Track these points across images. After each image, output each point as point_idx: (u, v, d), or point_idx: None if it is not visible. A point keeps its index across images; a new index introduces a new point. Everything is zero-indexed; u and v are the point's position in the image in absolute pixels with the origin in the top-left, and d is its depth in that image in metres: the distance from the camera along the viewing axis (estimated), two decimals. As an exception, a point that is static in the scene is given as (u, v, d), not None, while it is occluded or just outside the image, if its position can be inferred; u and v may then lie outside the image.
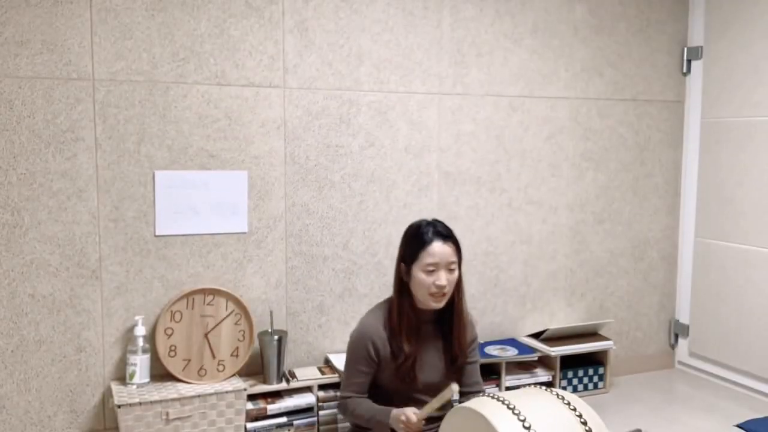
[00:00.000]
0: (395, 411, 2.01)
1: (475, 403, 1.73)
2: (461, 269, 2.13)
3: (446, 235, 2.07)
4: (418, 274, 2.04)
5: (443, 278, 2.03)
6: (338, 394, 2.61)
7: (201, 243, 2.60)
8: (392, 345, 2.10)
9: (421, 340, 2.14)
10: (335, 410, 2.62)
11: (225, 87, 2.59)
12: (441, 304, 2.07)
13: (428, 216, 2.94)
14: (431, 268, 2.03)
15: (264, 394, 2.61)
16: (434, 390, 2.14)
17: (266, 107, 2.65)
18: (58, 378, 2.45)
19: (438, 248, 2.03)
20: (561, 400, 1.73)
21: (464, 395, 2.23)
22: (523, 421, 1.63)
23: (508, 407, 1.68)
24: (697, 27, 3.35)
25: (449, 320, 2.15)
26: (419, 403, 2.13)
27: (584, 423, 1.66)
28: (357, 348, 2.12)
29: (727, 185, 3.20)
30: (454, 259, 2.07)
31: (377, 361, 2.11)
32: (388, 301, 2.18)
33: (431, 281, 2.03)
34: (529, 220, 3.15)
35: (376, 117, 2.82)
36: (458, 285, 2.12)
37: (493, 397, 1.75)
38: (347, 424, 2.61)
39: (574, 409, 1.69)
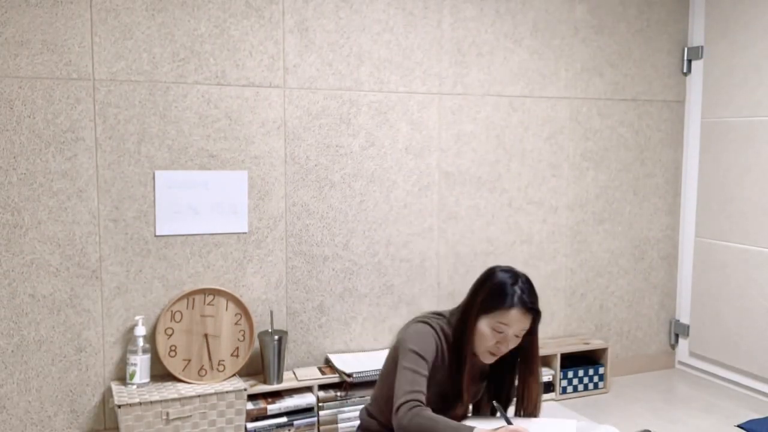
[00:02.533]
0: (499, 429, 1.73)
1: None
2: (537, 336, 1.92)
3: (530, 306, 1.85)
4: (485, 329, 1.85)
5: (509, 344, 1.86)
6: (348, 401, 2.61)
7: (201, 243, 2.60)
8: (452, 356, 1.90)
9: (465, 371, 1.92)
10: (335, 410, 2.62)
11: (225, 87, 2.59)
12: (491, 361, 1.90)
13: (429, 216, 2.95)
14: (501, 329, 1.84)
15: (264, 394, 2.61)
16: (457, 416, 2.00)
17: (266, 107, 2.65)
18: (59, 378, 2.45)
19: (516, 317, 1.83)
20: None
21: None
22: None
23: None
24: (697, 27, 3.35)
25: (504, 368, 1.97)
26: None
27: None
28: (425, 344, 1.85)
29: (727, 185, 3.20)
30: (528, 328, 1.87)
31: (430, 366, 1.87)
32: (447, 317, 1.98)
33: (494, 342, 1.85)
34: (529, 220, 3.15)
35: (376, 117, 2.82)
36: (535, 350, 1.93)
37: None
38: (348, 425, 2.61)
39: None
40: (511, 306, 1.83)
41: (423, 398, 1.79)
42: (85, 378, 2.49)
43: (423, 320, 1.94)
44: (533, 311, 1.85)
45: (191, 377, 2.52)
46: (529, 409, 1.97)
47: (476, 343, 1.88)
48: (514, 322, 1.83)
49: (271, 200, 2.69)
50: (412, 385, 1.80)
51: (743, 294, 3.13)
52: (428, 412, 1.76)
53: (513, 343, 1.87)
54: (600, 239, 3.31)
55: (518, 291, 1.85)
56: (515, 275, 1.89)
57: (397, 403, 1.79)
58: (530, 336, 1.90)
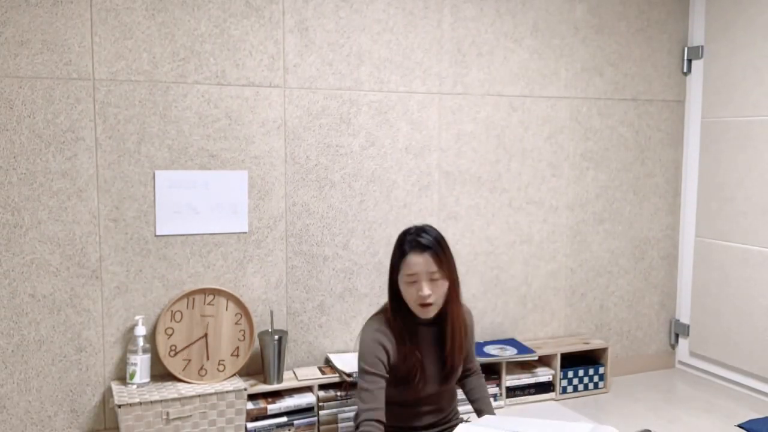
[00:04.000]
0: None
1: None
2: (454, 276, 2.08)
3: (424, 245, 1.99)
4: (402, 286, 2.03)
5: (425, 289, 1.98)
6: (349, 401, 2.62)
7: (201, 243, 2.60)
8: (399, 351, 2.06)
9: (422, 346, 2.11)
10: (335, 410, 2.62)
11: (225, 87, 2.59)
12: (430, 315, 2.03)
13: (429, 216, 2.95)
14: (412, 279, 1.99)
15: (264, 394, 2.61)
16: (435, 398, 2.14)
17: (266, 107, 2.65)
18: (59, 378, 2.45)
19: (414, 260, 1.98)
20: None
21: (465, 378, 2.25)
22: None
23: None
24: (697, 27, 3.35)
25: (445, 328, 2.11)
26: (424, 415, 2.12)
27: None
28: (368, 353, 2.03)
29: (727, 185, 3.20)
30: (435, 269, 1.99)
31: (388, 366, 2.04)
32: (385, 309, 2.15)
33: (414, 291, 2.00)
34: (529, 219, 3.15)
35: (376, 117, 2.82)
36: (451, 293, 2.07)
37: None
38: (348, 424, 2.62)
39: None
40: (405, 254, 1.99)
41: (376, 414, 1.97)
42: (85, 378, 2.49)
43: (366, 326, 2.10)
44: (430, 249, 1.99)
45: (191, 377, 2.52)
46: (455, 366, 2.12)
47: (409, 304, 2.03)
48: (415, 265, 1.97)
49: (271, 200, 2.69)
50: (367, 403, 1.99)
51: (743, 294, 3.13)
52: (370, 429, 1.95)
53: (432, 288, 1.99)
54: (600, 239, 3.31)
55: (408, 238, 2.01)
56: (415, 227, 2.06)
57: (355, 422, 2.04)
58: (442, 281, 2.03)
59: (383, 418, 1.99)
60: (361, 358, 2.05)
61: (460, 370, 2.18)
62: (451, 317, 2.09)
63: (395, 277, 2.06)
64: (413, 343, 2.08)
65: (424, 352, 2.11)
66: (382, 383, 2.02)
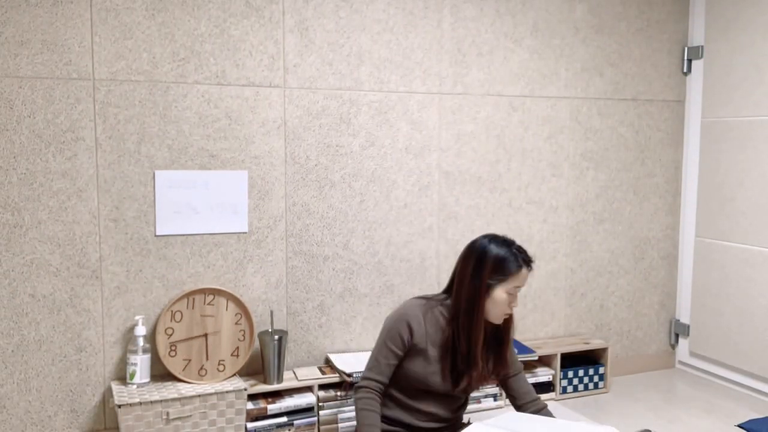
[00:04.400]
0: None
1: None
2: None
3: (531, 261, 2.14)
4: (502, 295, 2.09)
5: (516, 301, 2.14)
6: (349, 401, 2.62)
7: (201, 243, 2.60)
8: (453, 339, 2.12)
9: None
10: (335, 410, 2.62)
11: (225, 87, 2.59)
12: (501, 321, 2.15)
13: (429, 215, 2.95)
14: (514, 292, 2.11)
15: (264, 394, 2.61)
16: (442, 400, 2.15)
17: (266, 107, 2.65)
18: (59, 378, 2.45)
19: (525, 274, 2.11)
20: None
21: (522, 407, 2.23)
22: None
23: None
24: (697, 27, 3.35)
25: (498, 336, 2.20)
26: (434, 406, 2.13)
27: None
28: (394, 328, 2.12)
29: (727, 185, 3.20)
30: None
31: (407, 347, 2.12)
32: (441, 301, 2.18)
33: (509, 302, 2.10)
34: (529, 219, 3.15)
35: (376, 117, 2.82)
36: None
37: None
38: (348, 424, 2.62)
39: None
40: (520, 267, 2.09)
41: (373, 384, 2.11)
42: (85, 378, 2.49)
43: (403, 305, 2.17)
44: (531, 264, 2.14)
45: (191, 377, 2.52)
46: (509, 361, 2.21)
47: (491, 311, 2.11)
48: (524, 279, 2.12)
49: (271, 200, 2.69)
50: (370, 370, 2.13)
51: (743, 294, 3.13)
52: (368, 401, 2.08)
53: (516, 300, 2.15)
54: (600, 239, 3.31)
55: (517, 253, 2.11)
56: (503, 241, 2.14)
57: (357, 383, 2.14)
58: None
59: (381, 392, 2.12)
60: (384, 330, 2.15)
61: (477, 385, 2.20)
62: (512, 327, 2.23)
63: (491, 285, 2.10)
64: (472, 338, 2.14)
65: (482, 348, 2.17)
66: (396, 360, 2.12)
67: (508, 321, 2.19)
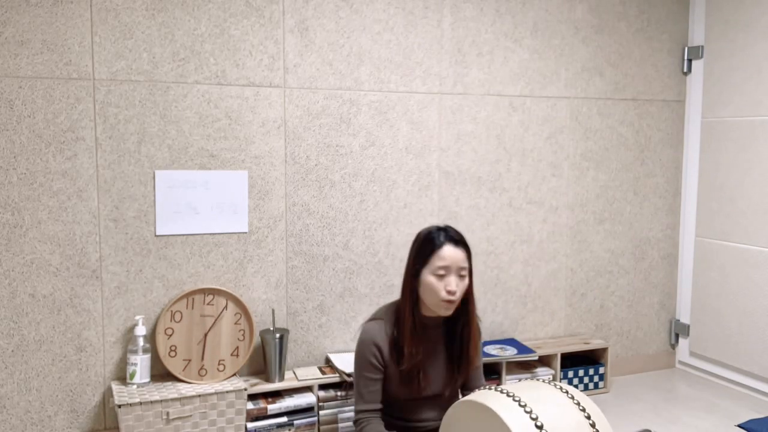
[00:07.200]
0: None
1: (481, 397, 1.66)
2: (472, 278, 2.08)
3: (458, 239, 2.03)
4: (429, 278, 2.00)
5: (453, 283, 1.99)
6: (349, 401, 2.62)
7: (201, 243, 2.60)
8: (397, 350, 2.07)
9: (428, 346, 2.11)
10: (335, 410, 2.62)
11: (225, 87, 2.59)
12: (450, 312, 2.03)
13: (429, 215, 2.95)
14: (442, 272, 1.99)
15: (264, 394, 2.61)
16: (439, 398, 2.14)
17: (266, 107, 2.65)
18: (59, 378, 2.45)
19: (449, 252, 1.99)
20: (569, 398, 1.65)
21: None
22: (535, 419, 1.56)
23: (519, 404, 1.59)
24: (697, 26, 3.35)
25: (458, 328, 2.11)
26: (426, 411, 2.13)
27: (593, 425, 1.60)
28: (362, 355, 2.09)
29: (727, 185, 3.20)
30: (465, 265, 2.02)
31: (383, 367, 2.08)
32: (393, 306, 2.14)
33: (442, 286, 1.99)
34: (529, 219, 3.15)
35: (376, 117, 2.82)
36: (469, 293, 2.08)
37: (499, 391, 1.66)
38: (348, 424, 2.62)
39: (583, 410, 1.62)
40: (442, 244, 2.00)
41: (368, 414, 2.07)
42: (85, 378, 2.49)
43: (361, 331, 2.12)
44: (462, 244, 2.03)
45: (191, 377, 2.52)
46: (467, 366, 2.13)
47: (427, 300, 2.03)
48: (449, 257, 1.99)
49: (272, 200, 2.69)
50: (359, 404, 2.09)
51: (743, 294, 3.13)
52: (371, 425, 2.04)
53: (458, 285, 2.01)
54: (600, 239, 3.31)
55: (443, 232, 2.03)
56: (438, 226, 2.08)
57: (353, 419, 2.12)
58: (467, 279, 2.06)
59: (379, 414, 2.09)
60: (356, 363, 2.12)
61: (468, 373, 2.16)
62: (469, 319, 2.10)
63: (418, 270, 2.03)
64: (422, 342, 2.09)
65: (432, 352, 2.12)
66: (378, 385, 2.08)
67: (468, 327, 2.10)
